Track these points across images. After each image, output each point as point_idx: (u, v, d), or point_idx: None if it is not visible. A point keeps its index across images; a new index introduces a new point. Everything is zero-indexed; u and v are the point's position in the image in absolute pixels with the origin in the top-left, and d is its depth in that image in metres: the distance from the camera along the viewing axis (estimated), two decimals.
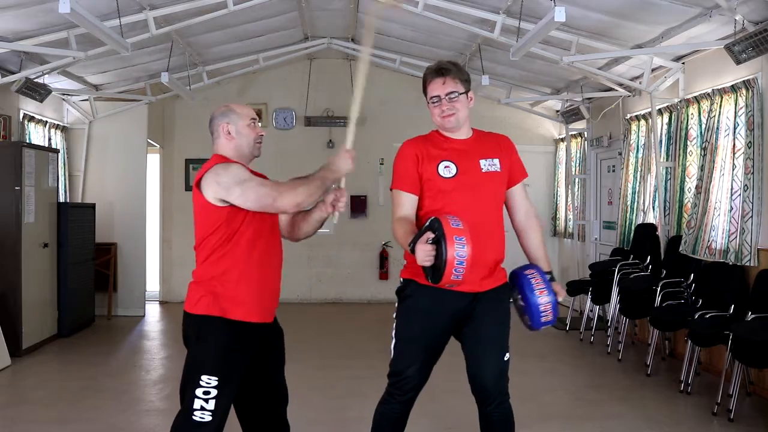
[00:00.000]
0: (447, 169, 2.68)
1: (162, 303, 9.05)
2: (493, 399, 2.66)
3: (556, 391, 5.01)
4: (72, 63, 6.25)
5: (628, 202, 6.92)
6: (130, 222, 8.04)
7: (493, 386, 2.66)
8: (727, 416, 4.26)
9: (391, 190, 2.75)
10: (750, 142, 4.89)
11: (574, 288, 7.00)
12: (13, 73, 6.15)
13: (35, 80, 6.27)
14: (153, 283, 9.08)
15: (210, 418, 2.46)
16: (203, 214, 2.55)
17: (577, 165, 8.52)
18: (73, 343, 6.55)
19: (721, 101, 5.26)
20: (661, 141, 6.21)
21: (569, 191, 8.56)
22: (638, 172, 6.72)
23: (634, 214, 6.81)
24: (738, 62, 4.72)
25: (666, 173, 6.20)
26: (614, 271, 6.32)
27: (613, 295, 6.30)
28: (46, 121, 7.28)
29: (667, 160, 6.16)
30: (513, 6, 5.60)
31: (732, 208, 5.05)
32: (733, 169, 5.06)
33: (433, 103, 2.73)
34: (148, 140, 8.28)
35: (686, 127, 5.81)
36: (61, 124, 7.71)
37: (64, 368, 5.78)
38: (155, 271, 9.21)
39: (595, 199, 8.24)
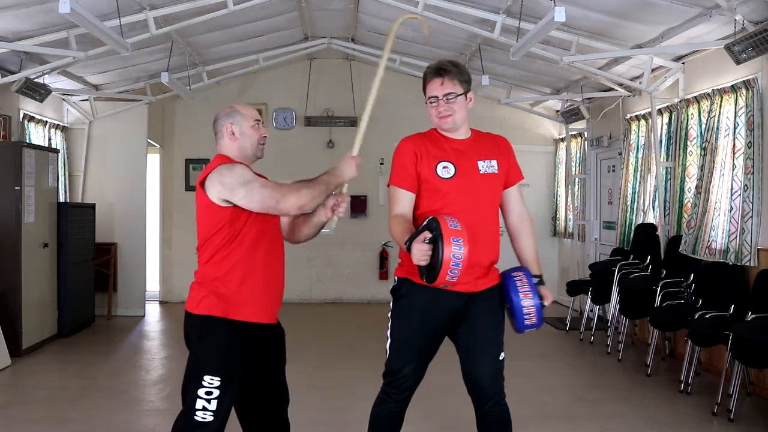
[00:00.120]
0: (445, 170, 2.67)
1: (162, 303, 9.05)
2: (489, 398, 2.66)
3: (557, 391, 5.01)
4: (72, 63, 6.25)
5: (628, 202, 6.92)
6: (130, 222, 8.04)
7: (488, 386, 2.66)
8: (727, 416, 4.26)
9: (388, 186, 2.75)
10: (750, 142, 4.89)
11: (574, 288, 7.01)
12: (13, 73, 6.15)
13: (35, 80, 6.27)
14: (153, 283, 9.08)
15: (212, 419, 2.46)
16: (206, 215, 2.55)
17: (577, 165, 8.52)
18: (73, 343, 6.55)
19: (721, 101, 5.26)
20: (661, 141, 6.21)
21: (569, 191, 8.56)
22: (638, 172, 6.72)
23: (634, 214, 6.81)
24: (738, 62, 4.72)
25: (666, 173, 6.20)
26: (614, 271, 6.32)
27: (613, 295, 6.31)
28: (46, 121, 7.28)
29: (667, 160, 6.16)
30: (513, 6, 5.60)
31: (732, 208, 5.05)
32: (733, 169, 5.06)
33: (431, 103, 2.72)
34: (148, 140, 8.28)
35: (686, 127, 5.81)
36: (61, 124, 7.71)
37: (64, 368, 5.78)
38: (155, 271, 9.21)
39: (595, 199, 8.23)
